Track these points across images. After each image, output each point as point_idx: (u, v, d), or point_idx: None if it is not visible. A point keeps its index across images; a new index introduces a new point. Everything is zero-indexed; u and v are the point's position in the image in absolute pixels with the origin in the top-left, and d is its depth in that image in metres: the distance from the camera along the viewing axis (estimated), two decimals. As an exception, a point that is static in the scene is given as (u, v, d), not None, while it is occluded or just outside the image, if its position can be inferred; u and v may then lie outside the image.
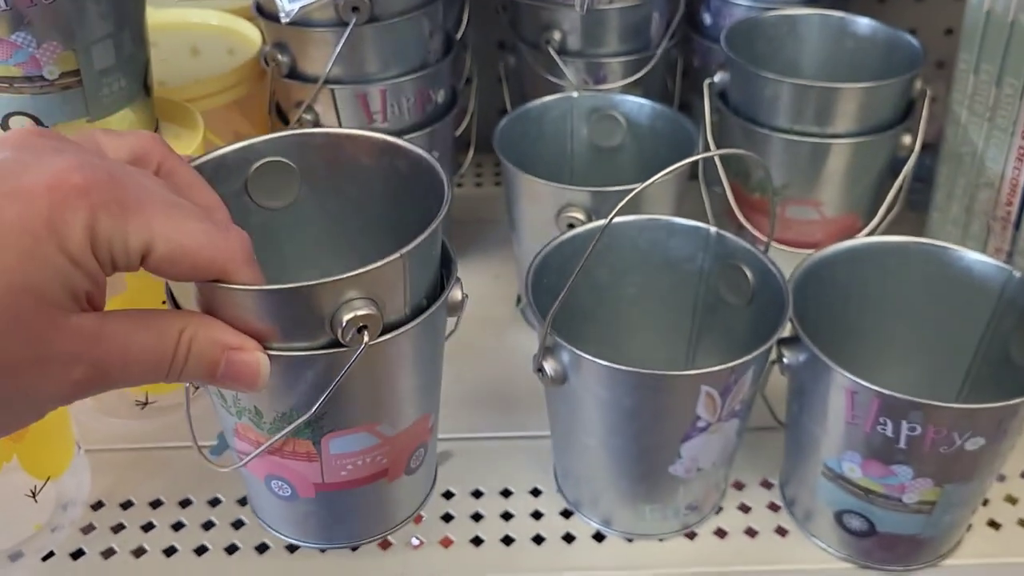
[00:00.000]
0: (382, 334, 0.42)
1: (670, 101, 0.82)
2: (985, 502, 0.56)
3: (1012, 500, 0.56)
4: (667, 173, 0.41)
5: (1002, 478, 0.58)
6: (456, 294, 0.47)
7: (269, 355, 0.40)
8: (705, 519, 0.55)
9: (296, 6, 0.52)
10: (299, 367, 0.42)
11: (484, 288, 0.75)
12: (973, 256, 0.53)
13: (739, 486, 0.58)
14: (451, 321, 0.50)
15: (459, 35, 0.75)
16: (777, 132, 0.65)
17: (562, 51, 0.74)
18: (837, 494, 0.50)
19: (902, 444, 0.46)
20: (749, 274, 0.53)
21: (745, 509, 0.56)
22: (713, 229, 0.55)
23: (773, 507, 0.56)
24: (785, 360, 0.50)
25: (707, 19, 0.78)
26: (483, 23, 0.84)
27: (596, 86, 0.75)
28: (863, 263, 0.54)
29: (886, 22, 0.71)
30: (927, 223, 0.68)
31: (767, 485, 0.58)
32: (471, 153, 0.83)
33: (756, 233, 0.67)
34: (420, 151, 0.48)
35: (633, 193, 0.42)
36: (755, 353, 0.46)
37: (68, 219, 0.31)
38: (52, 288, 0.32)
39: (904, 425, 0.45)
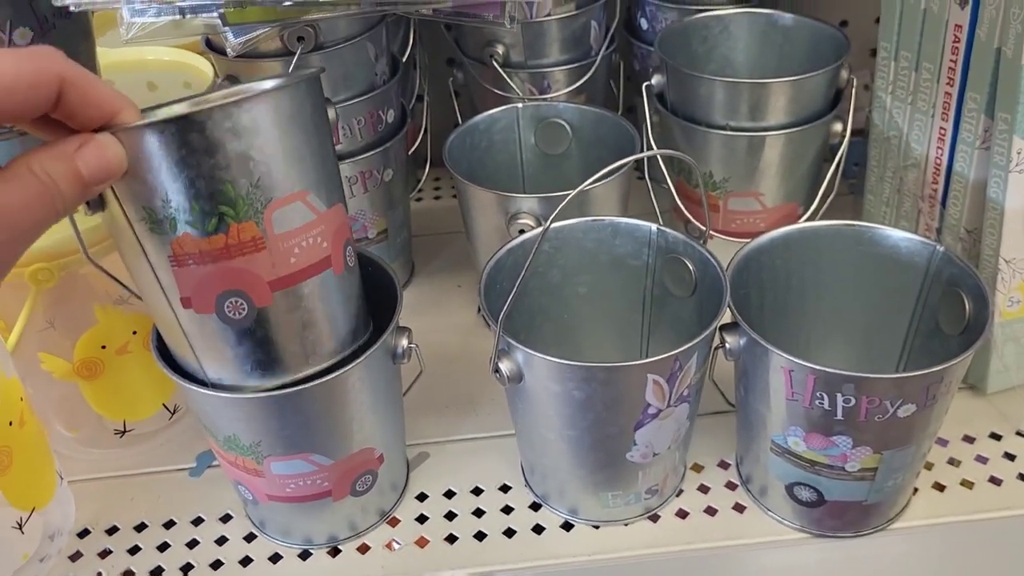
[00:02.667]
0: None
1: (616, 105, 0.85)
2: (930, 466, 0.59)
3: (955, 463, 0.60)
4: (595, 180, 0.44)
5: (944, 442, 0.61)
6: (398, 342, 0.53)
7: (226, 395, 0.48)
8: (667, 502, 0.58)
9: (241, 40, 0.54)
10: (240, 403, 0.49)
11: (447, 297, 0.77)
12: (899, 235, 0.56)
13: (698, 468, 0.61)
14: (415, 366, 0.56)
15: (405, 56, 0.78)
16: (713, 129, 0.68)
17: (506, 64, 0.77)
18: (786, 468, 0.53)
19: (839, 415, 0.48)
20: (690, 266, 0.56)
21: (704, 490, 0.59)
22: (654, 226, 0.58)
23: (731, 486, 0.59)
24: (727, 345, 0.52)
25: (644, 24, 0.80)
26: (431, 42, 0.86)
27: (541, 96, 0.78)
28: (797, 248, 0.57)
29: (821, 14, 0.74)
30: (863, 206, 0.71)
31: (724, 465, 0.60)
32: (427, 168, 0.86)
33: (701, 227, 0.70)
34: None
35: (567, 199, 0.45)
36: (695, 340, 0.49)
37: None
38: None
39: (839, 397, 0.48)
